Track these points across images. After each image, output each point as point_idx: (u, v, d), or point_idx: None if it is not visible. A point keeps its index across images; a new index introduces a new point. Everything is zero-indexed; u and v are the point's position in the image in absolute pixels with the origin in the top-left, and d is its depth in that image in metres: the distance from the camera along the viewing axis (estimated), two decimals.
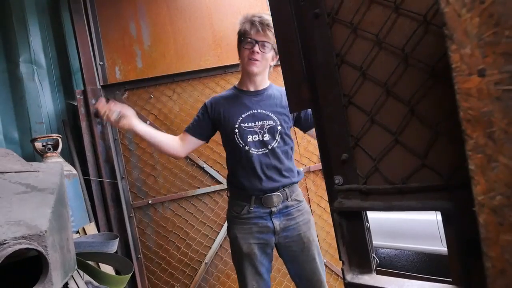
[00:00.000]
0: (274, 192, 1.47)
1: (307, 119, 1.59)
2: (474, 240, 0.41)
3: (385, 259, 3.77)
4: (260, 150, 1.49)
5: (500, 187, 0.37)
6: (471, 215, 0.40)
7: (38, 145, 2.20)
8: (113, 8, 2.36)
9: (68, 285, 0.93)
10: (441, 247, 2.75)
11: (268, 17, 1.46)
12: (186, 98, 2.38)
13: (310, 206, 2.40)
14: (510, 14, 0.34)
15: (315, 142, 2.40)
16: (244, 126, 1.51)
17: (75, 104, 2.37)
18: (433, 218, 2.80)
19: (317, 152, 2.39)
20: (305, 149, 2.46)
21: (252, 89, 1.59)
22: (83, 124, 2.27)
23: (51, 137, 2.25)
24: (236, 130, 1.51)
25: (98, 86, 2.29)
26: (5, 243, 0.64)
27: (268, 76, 1.63)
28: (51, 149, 2.19)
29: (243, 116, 1.52)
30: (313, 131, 1.47)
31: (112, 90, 2.32)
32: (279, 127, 1.51)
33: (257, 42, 1.46)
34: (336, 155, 0.64)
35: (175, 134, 2.33)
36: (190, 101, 2.38)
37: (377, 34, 0.55)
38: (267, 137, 1.49)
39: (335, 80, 0.62)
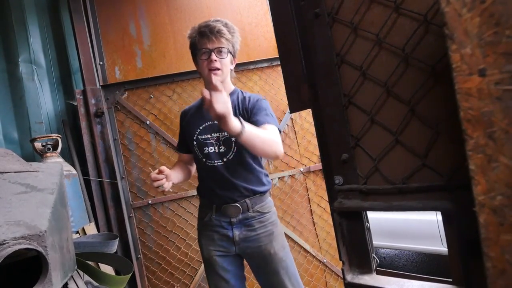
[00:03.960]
0: (233, 203, 1.44)
1: (253, 119, 1.43)
2: (475, 240, 0.41)
3: (385, 259, 3.77)
4: (215, 162, 1.45)
5: (501, 187, 0.36)
6: (471, 215, 0.40)
7: (38, 145, 2.20)
8: (113, 8, 2.36)
9: (68, 285, 0.92)
10: (442, 247, 2.75)
11: (215, 24, 1.42)
12: (186, 98, 2.37)
13: (311, 206, 2.40)
14: (511, 14, 0.34)
15: (315, 142, 2.40)
16: (201, 138, 1.48)
17: (75, 104, 2.37)
18: (433, 218, 2.80)
19: (317, 152, 2.39)
20: (305, 149, 2.46)
21: None
22: (83, 124, 2.26)
23: (51, 137, 2.25)
24: (195, 142, 1.50)
25: (98, 86, 2.29)
26: (4, 243, 0.63)
27: (231, 80, 1.57)
28: (51, 149, 2.19)
29: (200, 128, 1.49)
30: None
31: (112, 90, 2.32)
32: (233, 138, 1.42)
33: (212, 50, 1.42)
34: (336, 155, 0.63)
35: (175, 134, 2.35)
36: (190, 101, 2.38)
37: (377, 34, 0.55)
38: (222, 148, 1.46)
39: (335, 80, 0.62)
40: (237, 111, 1.47)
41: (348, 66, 0.61)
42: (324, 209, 2.36)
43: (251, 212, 1.45)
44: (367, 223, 0.64)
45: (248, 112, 1.45)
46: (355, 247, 0.64)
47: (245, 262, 1.56)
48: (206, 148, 1.47)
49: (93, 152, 2.28)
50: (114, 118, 2.32)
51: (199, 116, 1.54)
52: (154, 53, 2.39)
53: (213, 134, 1.48)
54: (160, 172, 1.39)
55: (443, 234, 2.62)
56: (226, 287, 1.48)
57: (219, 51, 1.42)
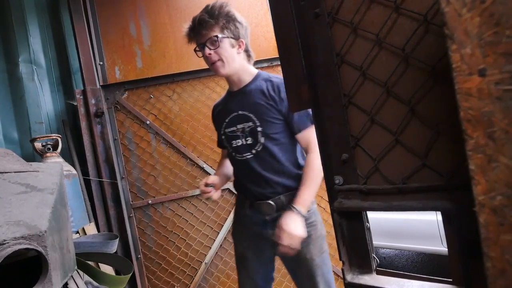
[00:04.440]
0: (266, 199, 1.34)
1: (291, 123, 1.36)
2: (475, 240, 0.41)
3: (386, 259, 3.77)
4: (244, 155, 1.37)
5: (501, 187, 0.36)
6: (471, 215, 0.40)
7: (38, 145, 2.20)
8: (113, 8, 2.36)
9: (68, 285, 0.92)
10: (442, 247, 2.75)
11: (198, 15, 1.33)
12: (186, 98, 2.37)
13: None
14: (511, 14, 0.34)
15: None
16: (228, 132, 1.42)
17: (75, 104, 2.37)
18: (433, 218, 2.80)
19: None
20: None
21: (235, 89, 1.44)
22: (83, 124, 2.26)
23: (51, 137, 2.25)
24: (223, 137, 1.44)
25: (98, 86, 2.29)
26: (4, 243, 0.63)
27: (250, 62, 1.45)
28: (51, 149, 2.19)
29: (226, 120, 1.43)
30: (299, 136, 1.35)
31: (112, 90, 2.32)
32: (259, 128, 1.34)
33: (203, 44, 1.33)
34: (336, 155, 0.63)
35: (175, 134, 2.35)
36: (190, 101, 2.38)
37: (377, 34, 0.55)
38: (250, 140, 1.36)
39: (335, 80, 0.62)
40: (266, 93, 1.35)
41: (348, 66, 0.61)
42: (324, 209, 2.36)
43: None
44: (367, 223, 0.64)
45: (276, 102, 1.33)
46: (355, 247, 0.64)
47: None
48: (234, 141, 1.40)
49: (93, 152, 2.28)
50: (114, 118, 2.32)
51: (224, 109, 1.47)
52: (154, 53, 2.39)
53: (238, 126, 1.39)
54: (207, 184, 1.37)
55: (443, 234, 2.62)
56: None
57: (211, 42, 1.32)
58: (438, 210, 0.51)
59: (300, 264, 1.35)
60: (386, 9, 0.54)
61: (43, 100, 2.49)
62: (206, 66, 2.33)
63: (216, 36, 1.31)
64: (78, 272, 1.18)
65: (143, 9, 2.40)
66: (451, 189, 0.49)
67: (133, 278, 2.17)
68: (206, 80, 2.38)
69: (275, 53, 2.42)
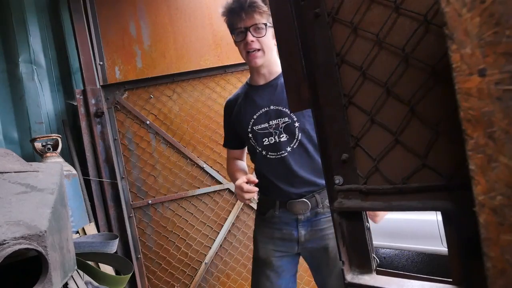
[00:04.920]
0: (300, 198, 1.28)
1: None
2: (475, 240, 0.41)
3: (386, 259, 3.77)
4: (278, 153, 1.29)
5: (501, 187, 0.36)
6: (471, 215, 0.40)
7: (38, 145, 2.20)
8: (113, 8, 2.36)
9: (68, 285, 0.92)
10: (442, 247, 2.75)
11: None
12: (186, 98, 2.38)
13: None
14: (511, 14, 0.34)
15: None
16: (257, 129, 1.32)
17: (75, 104, 2.37)
18: (433, 218, 2.80)
19: None
20: None
21: (262, 82, 1.36)
22: (83, 124, 2.27)
23: (51, 137, 2.25)
24: (250, 135, 1.33)
25: (98, 86, 2.29)
26: (4, 243, 0.63)
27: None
28: (51, 149, 2.19)
29: (255, 117, 1.32)
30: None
31: (111, 90, 2.32)
32: (296, 124, 1.27)
33: (247, 29, 1.23)
34: (336, 155, 0.63)
35: (175, 134, 2.35)
36: (190, 101, 2.38)
37: (378, 34, 0.55)
38: (284, 137, 1.28)
39: (335, 80, 0.62)
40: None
41: (348, 66, 0.61)
42: None
43: (320, 209, 1.28)
44: (367, 223, 0.64)
45: None
46: (355, 247, 0.64)
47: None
48: (266, 139, 1.30)
49: (93, 152, 2.29)
50: (114, 118, 2.32)
51: (250, 103, 1.35)
52: (154, 53, 2.39)
53: (271, 122, 1.30)
54: (250, 181, 1.23)
55: (443, 234, 2.61)
56: None
57: (255, 28, 1.23)
58: (438, 210, 0.51)
59: (329, 262, 1.31)
60: (386, 9, 0.54)
61: (43, 100, 2.49)
62: (206, 66, 2.36)
63: (265, 24, 1.23)
64: (78, 272, 1.18)
65: (143, 9, 2.40)
66: (451, 189, 0.49)
67: (133, 278, 2.17)
68: (206, 80, 2.38)
69: None
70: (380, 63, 0.56)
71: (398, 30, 0.53)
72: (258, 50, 1.26)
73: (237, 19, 1.25)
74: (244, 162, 1.55)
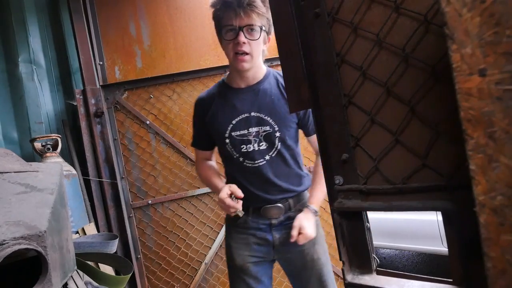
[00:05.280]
0: (274, 204, 1.28)
1: (306, 125, 1.34)
2: (475, 240, 0.41)
3: (386, 259, 3.77)
4: (256, 162, 1.26)
5: (501, 187, 0.36)
6: (471, 215, 0.40)
7: (38, 145, 2.20)
8: (112, 8, 2.36)
9: (67, 285, 0.92)
10: (442, 247, 2.75)
11: None
12: (186, 98, 2.38)
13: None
14: (511, 14, 0.34)
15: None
16: (236, 135, 1.27)
17: (75, 104, 2.37)
18: (433, 218, 2.80)
19: None
20: (305, 149, 2.45)
21: (243, 85, 1.30)
22: (83, 124, 2.27)
23: (51, 137, 2.25)
24: (227, 140, 1.28)
25: (98, 86, 2.29)
26: (4, 244, 0.63)
27: (263, 60, 1.32)
28: (51, 149, 2.19)
29: (234, 122, 1.27)
30: (312, 138, 1.34)
31: (111, 90, 2.32)
32: (277, 133, 1.25)
33: (240, 28, 1.14)
34: (336, 155, 0.63)
35: (175, 134, 2.35)
36: (190, 101, 2.38)
37: (378, 33, 0.55)
38: (263, 145, 1.25)
39: (335, 80, 0.62)
40: (281, 94, 1.26)
41: (348, 66, 0.60)
42: (324, 209, 2.36)
43: (292, 212, 1.29)
44: (367, 223, 0.64)
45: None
46: (355, 247, 0.64)
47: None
48: (244, 146, 1.26)
49: (93, 152, 2.28)
50: (114, 118, 2.32)
51: (229, 106, 1.28)
52: (154, 53, 2.39)
53: (250, 129, 1.25)
54: (233, 194, 1.18)
55: (443, 234, 2.62)
56: None
57: (249, 29, 1.15)
58: (438, 210, 0.51)
59: (307, 266, 1.31)
60: (386, 9, 0.54)
61: (43, 100, 2.49)
62: (206, 66, 2.36)
63: (261, 28, 1.16)
64: (78, 272, 1.18)
65: (143, 9, 2.40)
66: (451, 189, 0.49)
67: (133, 278, 2.17)
68: (206, 80, 2.38)
69: (275, 53, 2.42)
70: (380, 63, 0.56)
71: (398, 30, 0.53)
72: (247, 54, 1.19)
73: (231, 15, 1.14)
74: (214, 162, 1.49)
